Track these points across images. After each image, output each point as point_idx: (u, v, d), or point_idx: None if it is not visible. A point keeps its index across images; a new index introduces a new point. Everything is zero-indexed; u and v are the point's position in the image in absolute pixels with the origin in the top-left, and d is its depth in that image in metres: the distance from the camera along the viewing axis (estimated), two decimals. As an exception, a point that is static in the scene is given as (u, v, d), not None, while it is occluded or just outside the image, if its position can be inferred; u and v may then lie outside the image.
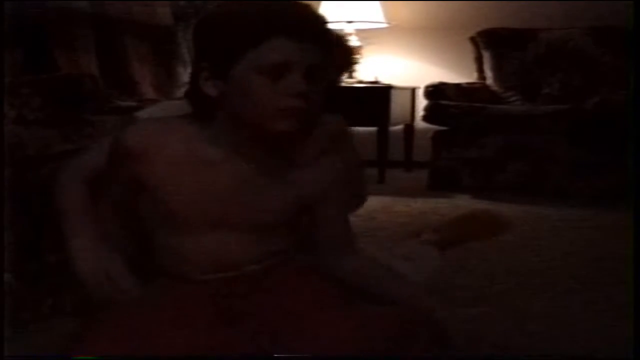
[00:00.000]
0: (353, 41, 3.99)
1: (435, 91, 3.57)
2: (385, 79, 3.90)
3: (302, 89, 1.08)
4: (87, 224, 1.21)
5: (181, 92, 2.58)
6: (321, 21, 1.16)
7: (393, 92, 3.71)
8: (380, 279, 1.26)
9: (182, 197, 1.15)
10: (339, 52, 1.64)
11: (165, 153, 1.14)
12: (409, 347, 1.09)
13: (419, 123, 3.84)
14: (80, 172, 1.25)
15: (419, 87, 3.96)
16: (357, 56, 3.91)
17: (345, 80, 3.93)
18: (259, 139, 1.13)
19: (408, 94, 4.08)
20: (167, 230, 1.19)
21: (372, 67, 4.12)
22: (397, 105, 3.80)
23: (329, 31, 1.19)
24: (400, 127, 4.06)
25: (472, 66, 3.97)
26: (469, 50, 3.97)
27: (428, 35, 4.21)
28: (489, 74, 3.89)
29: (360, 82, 3.92)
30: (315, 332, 1.08)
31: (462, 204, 3.06)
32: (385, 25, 4.03)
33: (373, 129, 3.74)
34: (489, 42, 3.88)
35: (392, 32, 4.17)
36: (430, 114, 3.52)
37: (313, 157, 1.23)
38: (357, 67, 4.00)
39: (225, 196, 1.15)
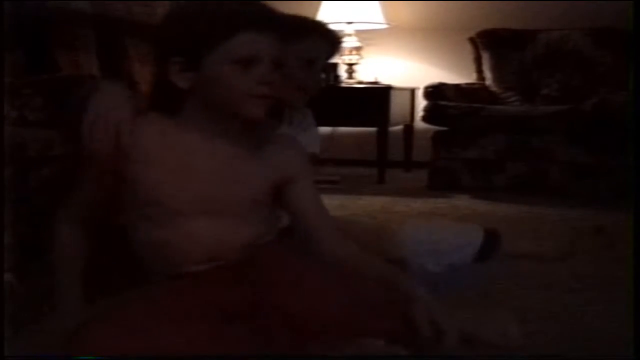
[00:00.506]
0: (352, 41, 3.99)
1: (434, 92, 3.57)
2: (384, 80, 3.90)
3: (270, 77, 1.19)
4: (76, 286, 1.29)
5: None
6: (282, 16, 1.25)
7: (393, 92, 3.71)
8: (364, 265, 1.29)
9: (166, 185, 1.20)
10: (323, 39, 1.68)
11: (145, 145, 1.20)
12: (391, 318, 1.17)
13: (419, 123, 3.85)
14: (78, 213, 1.29)
15: (418, 88, 3.96)
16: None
17: (345, 81, 3.93)
18: (230, 124, 1.23)
19: (407, 94, 4.09)
20: (153, 224, 1.22)
21: (371, 68, 4.13)
22: (397, 106, 3.80)
23: (290, 25, 1.27)
24: (399, 127, 4.06)
25: (472, 67, 3.97)
26: (468, 50, 3.97)
27: (427, 36, 4.22)
28: (488, 74, 3.89)
29: (360, 82, 3.93)
30: (302, 300, 1.14)
31: (462, 204, 3.07)
32: (384, 26, 4.03)
33: (373, 129, 3.74)
34: (488, 42, 3.89)
35: (392, 33, 4.17)
36: (429, 115, 3.52)
37: (278, 139, 1.31)
38: (356, 67, 4.01)
39: (205, 179, 1.22)
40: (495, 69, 3.86)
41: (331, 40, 1.69)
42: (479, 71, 3.94)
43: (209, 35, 1.18)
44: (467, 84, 3.89)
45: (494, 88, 3.85)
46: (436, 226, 1.78)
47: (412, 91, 4.13)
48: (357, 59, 4.00)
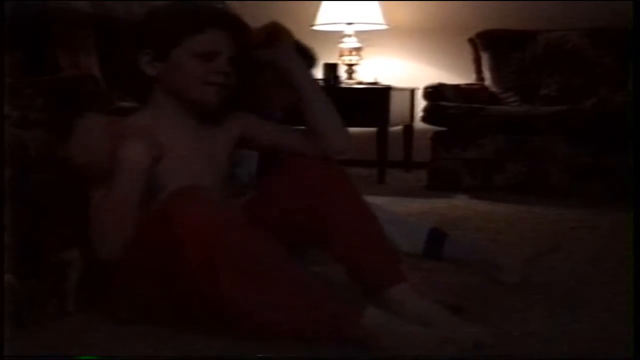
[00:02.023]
0: (352, 42, 3.99)
1: (434, 92, 3.58)
2: (384, 80, 3.90)
3: (226, 69, 1.42)
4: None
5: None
6: (240, 19, 1.48)
7: (392, 93, 3.72)
8: None
9: (168, 171, 1.38)
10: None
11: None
12: None
13: (418, 124, 3.85)
14: None
15: (418, 88, 3.96)
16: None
17: (345, 82, 3.94)
18: (192, 108, 1.45)
19: (407, 94, 4.09)
20: None
21: (371, 68, 4.13)
22: (397, 106, 3.80)
23: (247, 27, 1.49)
24: (399, 127, 4.07)
25: (471, 67, 3.98)
26: (467, 51, 3.98)
27: (427, 36, 4.22)
28: (487, 75, 3.89)
29: (360, 83, 3.93)
30: None
31: (461, 204, 3.07)
32: (384, 26, 4.04)
33: (373, 129, 3.75)
34: (488, 43, 3.89)
35: (392, 34, 4.18)
36: (429, 115, 3.53)
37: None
38: (356, 68, 4.01)
39: (190, 160, 1.44)
40: (495, 69, 3.86)
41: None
42: (479, 72, 3.95)
43: (177, 31, 1.40)
44: (466, 84, 3.90)
45: (493, 88, 3.85)
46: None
47: (412, 91, 4.13)
48: (357, 60, 4.01)
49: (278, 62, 1.49)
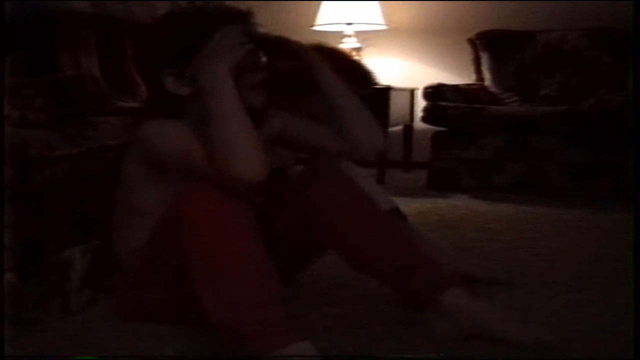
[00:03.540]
0: (352, 42, 3.99)
1: (434, 92, 3.58)
2: (384, 80, 3.89)
3: (264, 64, 1.31)
4: None
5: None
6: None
7: (392, 93, 3.71)
8: None
9: None
10: None
11: None
12: None
13: (418, 124, 3.85)
14: None
15: (417, 89, 3.96)
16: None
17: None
18: None
19: (407, 95, 4.09)
20: None
21: (371, 69, 4.12)
22: (396, 106, 3.80)
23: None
24: (399, 127, 4.07)
25: (471, 67, 3.97)
26: (467, 51, 3.98)
27: (427, 36, 4.22)
28: (487, 75, 3.89)
29: (359, 83, 3.92)
30: None
31: (461, 204, 3.07)
32: (384, 27, 4.04)
33: (372, 129, 3.74)
34: (488, 43, 3.89)
35: (391, 34, 4.18)
36: (429, 115, 3.53)
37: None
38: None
39: None
40: (494, 69, 3.86)
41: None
42: (478, 72, 3.95)
43: (198, 42, 1.23)
44: (466, 84, 3.89)
45: (493, 89, 3.85)
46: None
47: (412, 92, 4.13)
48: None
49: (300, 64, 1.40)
